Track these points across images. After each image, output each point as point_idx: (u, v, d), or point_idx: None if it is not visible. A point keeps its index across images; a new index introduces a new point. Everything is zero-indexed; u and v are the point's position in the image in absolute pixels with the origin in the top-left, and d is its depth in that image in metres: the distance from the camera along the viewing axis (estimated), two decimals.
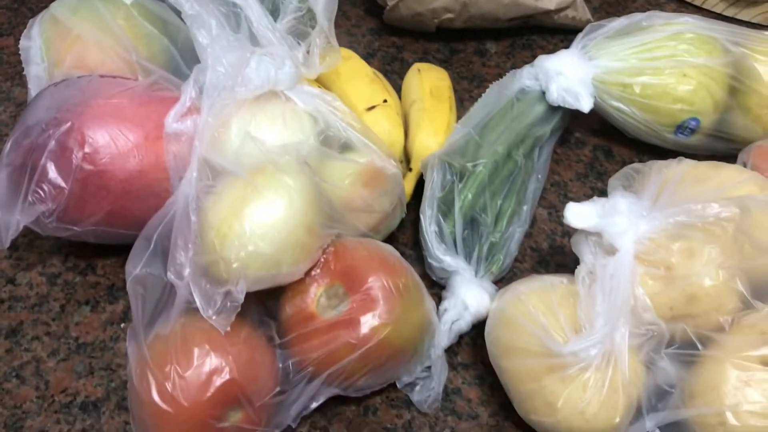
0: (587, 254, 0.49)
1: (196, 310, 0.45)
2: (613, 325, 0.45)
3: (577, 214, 0.49)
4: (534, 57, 0.78)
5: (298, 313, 0.47)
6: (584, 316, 0.46)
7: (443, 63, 0.77)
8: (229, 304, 0.44)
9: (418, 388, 0.51)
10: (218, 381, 0.44)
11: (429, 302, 0.51)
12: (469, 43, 0.80)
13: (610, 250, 0.48)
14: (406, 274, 0.49)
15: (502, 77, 0.68)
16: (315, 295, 0.47)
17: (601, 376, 0.45)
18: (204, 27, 0.59)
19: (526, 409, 0.47)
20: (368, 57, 0.78)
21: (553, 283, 0.49)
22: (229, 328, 0.44)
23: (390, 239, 0.61)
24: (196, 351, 0.44)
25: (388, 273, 0.48)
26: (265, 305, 0.49)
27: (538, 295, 0.48)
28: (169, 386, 0.43)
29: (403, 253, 0.60)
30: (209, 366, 0.44)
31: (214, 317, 0.44)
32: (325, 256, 0.48)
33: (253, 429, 0.45)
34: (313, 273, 0.48)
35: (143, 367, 0.44)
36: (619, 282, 0.46)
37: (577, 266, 0.49)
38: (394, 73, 0.76)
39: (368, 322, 0.46)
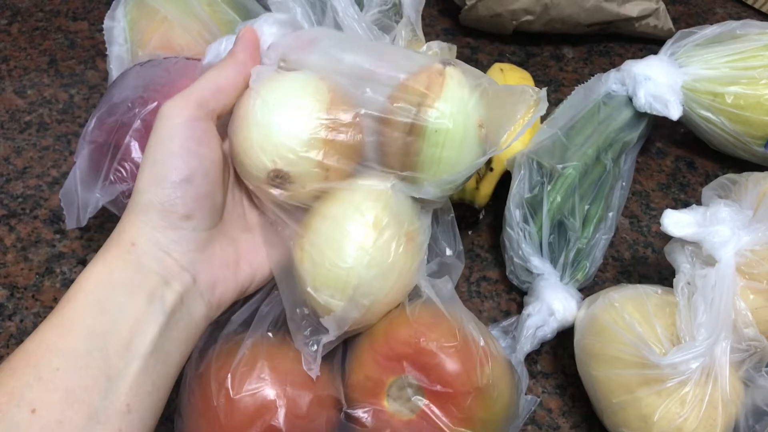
0: (684, 263, 0.47)
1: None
2: (716, 338, 0.43)
3: (676, 221, 0.47)
4: (612, 64, 0.77)
5: (366, 397, 0.42)
6: (685, 327, 0.43)
7: (519, 66, 0.75)
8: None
9: None
10: (261, 421, 0.40)
11: (513, 388, 0.44)
12: (545, 48, 0.78)
13: (709, 261, 0.45)
14: (494, 358, 0.42)
15: (580, 83, 0.66)
16: (385, 384, 0.42)
17: (700, 392, 0.42)
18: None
19: (616, 421, 0.45)
20: None
21: (647, 291, 0.47)
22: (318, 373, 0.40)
23: (465, 240, 0.60)
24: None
25: (471, 366, 0.41)
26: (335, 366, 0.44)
27: (633, 304, 0.46)
28: (214, 399, 0.40)
29: (478, 256, 0.59)
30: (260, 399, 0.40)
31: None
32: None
33: None
34: (380, 358, 0.42)
35: (206, 367, 0.41)
36: (721, 294, 0.44)
37: (666, 277, 0.47)
38: None
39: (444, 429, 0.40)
